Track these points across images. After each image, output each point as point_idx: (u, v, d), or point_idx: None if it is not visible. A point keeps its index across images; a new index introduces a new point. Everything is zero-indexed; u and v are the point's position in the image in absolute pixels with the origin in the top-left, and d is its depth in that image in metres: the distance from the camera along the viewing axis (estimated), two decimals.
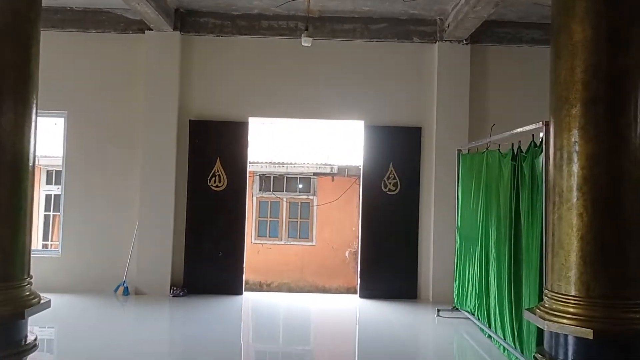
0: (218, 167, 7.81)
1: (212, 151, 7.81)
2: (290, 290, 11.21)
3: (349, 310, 7.51)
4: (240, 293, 7.77)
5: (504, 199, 4.92)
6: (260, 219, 11.80)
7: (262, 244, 11.70)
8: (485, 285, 5.42)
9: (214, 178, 7.80)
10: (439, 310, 6.65)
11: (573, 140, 3.14)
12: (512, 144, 4.85)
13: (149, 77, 7.70)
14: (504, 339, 4.84)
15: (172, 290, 7.54)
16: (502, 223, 4.91)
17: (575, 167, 3.12)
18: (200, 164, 7.80)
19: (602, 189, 3.06)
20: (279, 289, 11.26)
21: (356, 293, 7.93)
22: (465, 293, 6.10)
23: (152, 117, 7.67)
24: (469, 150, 6.39)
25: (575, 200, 3.10)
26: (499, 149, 5.23)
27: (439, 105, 7.66)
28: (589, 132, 3.11)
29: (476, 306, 5.75)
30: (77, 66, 7.86)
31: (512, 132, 4.74)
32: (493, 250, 5.15)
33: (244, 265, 7.89)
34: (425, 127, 7.81)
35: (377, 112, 7.84)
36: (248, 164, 7.97)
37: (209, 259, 7.72)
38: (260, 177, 11.69)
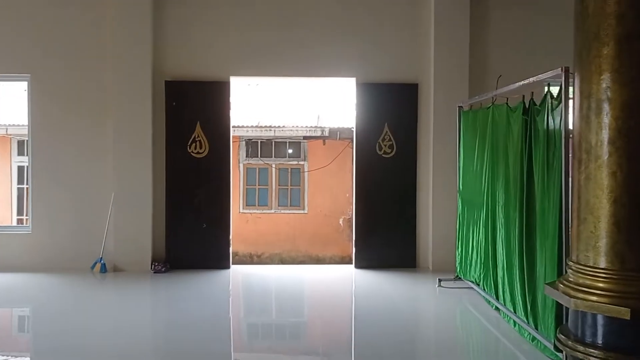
0: (198, 131, 7.31)
1: (191, 115, 7.29)
2: (282, 261, 10.92)
3: (344, 281, 7.15)
4: (228, 267, 7.39)
5: (513, 158, 4.48)
6: (248, 187, 11.41)
7: (251, 213, 11.35)
8: (491, 253, 5.04)
9: (194, 144, 7.31)
10: (440, 280, 6.30)
11: (604, 85, 2.66)
12: (523, 96, 4.37)
13: (117, 35, 7.09)
14: (515, 312, 4.48)
15: (153, 266, 7.14)
16: (512, 185, 4.49)
17: (606, 118, 2.65)
18: (178, 129, 7.29)
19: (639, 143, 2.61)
20: (271, 259, 10.96)
21: (351, 263, 7.58)
22: (469, 262, 5.73)
23: (123, 79, 7.09)
24: (471, 106, 5.91)
25: (606, 156, 2.64)
26: (507, 103, 4.75)
27: (437, 59, 7.14)
28: (623, 75, 2.62)
29: (481, 276, 5.39)
30: (38, 23, 7.22)
31: (523, 82, 4.26)
32: (501, 216, 4.75)
33: (231, 236, 7.48)
34: (422, 83, 7.31)
35: (370, 68, 7.32)
36: (231, 128, 7.47)
37: (192, 231, 7.30)
38: (246, 142, 11.21)
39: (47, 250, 7.22)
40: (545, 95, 3.83)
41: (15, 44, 7.22)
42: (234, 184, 10.94)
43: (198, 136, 7.30)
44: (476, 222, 5.42)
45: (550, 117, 3.74)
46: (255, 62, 7.34)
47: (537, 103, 4.05)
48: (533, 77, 4.02)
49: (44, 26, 7.23)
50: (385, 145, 7.31)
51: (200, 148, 7.32)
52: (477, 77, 7.14)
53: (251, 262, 10.90)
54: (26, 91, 7.50)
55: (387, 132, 7.31)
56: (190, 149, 7.30)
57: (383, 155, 7.31)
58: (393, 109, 7.33)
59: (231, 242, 7.50)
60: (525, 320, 4.22)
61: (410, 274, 7.09)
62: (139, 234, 7.17)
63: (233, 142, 10.77)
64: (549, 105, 3.77)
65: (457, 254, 6.16)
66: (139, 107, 7.13)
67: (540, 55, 6.90)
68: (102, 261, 7.13)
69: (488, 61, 7.25)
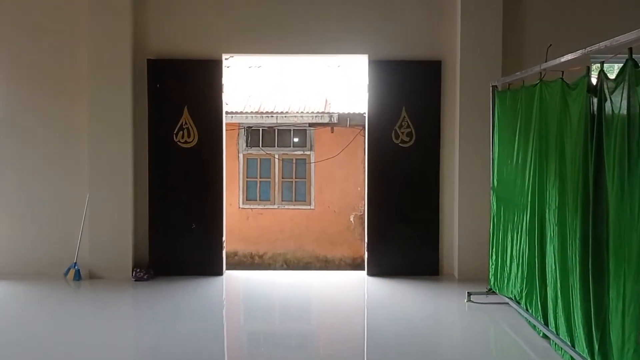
0: (186, 118, 6.48)
1: (177, 98, 6.46)
2: (286, 262, 10.16)
3: (355, 292, 6.31)
4: (221, 273, 6.59)
5: (572, 149, 3.58)
6: (248, 179, 10.60)
7: (251, 208, 10.54)
8: (539, 267, 4.16)
9: (181, 132, 6.48)
10: (469, 294, 5.43)
11: None
12: (588, 67, 3.45)
13: (92, 6, 6.24)
14: (573, 346, 3.60)
15: (134, 273, 6.36)
16: (570, 184, 3.59)
17: None
18: (163, 115, 6.46)
19: None
20: (274, 260, 10.20)
21: (363, 268, 6.75)
22: (506, 274, 4.85)
23: (99, 57, 6.26)
24: (509, 85, 5.01)
25: None
26: (562, 78, 3.84)
27: (464, 31, 6.23)
28: None
29: (523, 293, 4.50)
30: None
31: (589, 49, 3.33)
32: (553, 221, 3.85)
33: (224, 238, 6.68)
34: (447, 60, 6.41)
35: (385, 43, 6.44)
36: (224, 114, 6.63)
37: (179, 232, 6.50)
38: (246, 130, 10.37)
39: (14, 254, 6.51)
40: (625, 64, 2.92)
41: None
42: (233, 176, 10.27)
43: (186, 123, 6.48)
44: (517, 226, 4.53)
45: (633, 95, 2.83)
46: (252, 37, 6.48)
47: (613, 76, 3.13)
48: (605, 41, 3.10)
49: None
50: (402, 133, 6.46)
51: (189, 137, 6.50)
52: (512, 51, 6.25)
53: (252, 263, 10.16)
54: None
55: (404, 117, 6.46)
56: (176, 137, 6.48)
57: (400, 145, 6.46)
58: (412, 91, 6.47)
59: (224, 244, 6.70)
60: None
61: (433, 284, 6.25)
62: (118, 235, 6.39)
63: (231, 129, 10.12)
64: (630, 77, 2.86)
65: (490, 262, 5.28)
66: (117, 90, 6.31)
67: (590, 26, 6.02)
68: (76, 267, 6.38)
69: (525, 33, 6.34)
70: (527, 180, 4.26)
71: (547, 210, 3.99)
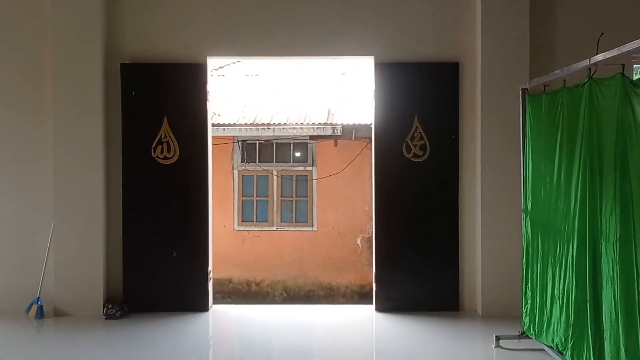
0: (165, 130, 5.81)
1: (155, 108, 5.80)
2: (286, 289, 9.57)
3: (362, 332, 5.56)
4: (206, 308, 5.88)
5: (638, 164, 2.84)
6: (244, 198, 10.09)
7: (247, 230, 10.00)
8: (591, 312, 3.38)
9: (160, 146, 5.81)
10: (498, 338, 4.66)
11: None
12: None
13: (57, 3, 5.63)
14: None
15: (105, 309, 5.66)
16: (638, 210, 2.85)
17: None
18: (139, 127, 5.81)
19: None
20: (272, 288, 9.58)
21: (372, 296, 6.03)
22: (545, 316, 4.07)
23: (65, 61, 5.62)
24: (544, 87, 4.28)
25: None
26: (622, 73, 3.10)
27: (485, 27, 5.57)
28: None
29: (569, 343, 3.71)
30: None
31: None
32: (612, 258, 3.09)
33: (210, 268, 5.97)
34: (465, 61, 5.74)
35: (393, 43, 5.78)
36: (209, 124, 5.97)
37: (157, 261, 5.82)
38: (241, 144, 9.78)
39: None
40: None
41: None
42: (227, 195, 9.68)
43: (165, 136, 5.82)
44: (560, 260, 3.77)
45: None
46: (242, 37, 5.83)
47: None
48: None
49: None
50: (415, 146, 5.76)
51: (169, 152, 5.82)
52: (541, 49, 5.58)
53: (248, 291, 9.53)
54: None
55: (417, 127, 5.77)
56: (155, 153, 5.81)
57: (412, 159, 5.76)
58: (425, 97, 5.80)
59: (211, 275, 6.00)
60: None
61: (453, 322, 5.49)
62: (87, 266, 5.71)
63: (225, 143, 9.55)
64: None
65: (524, 301, 4.50)
66: (86, 100, 5.66)
67: (630, 20, 5.34)
68: (39, 303, 5.70)
69: (557, 27, 5.68)
70: (574, 204, 3.51)
71: (602, 243, 3.23)
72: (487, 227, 5.57)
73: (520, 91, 4.68)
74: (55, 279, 5.70)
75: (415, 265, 5.77)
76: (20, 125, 5.86)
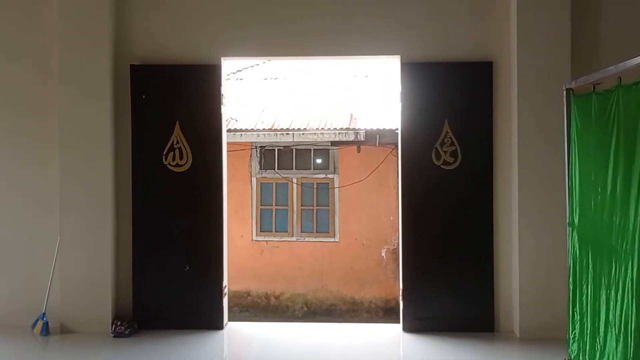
0: (177, 135, 5.60)
1: (167, 112, 5.59)
2: (306, 303, 9.33)
3: (387, 357, 5.27)
4: (221, 326, 5.63)
5: None
6: (262, 207, 9.89)
7: (266, 241, 9.79)
8: None
9: (172, 153, 5.60)
10: None
11: None
12: None
13: (66, 5, 5.45)
14: None
15: (113, 327, 5.45)
16: None
17: None
18: (150, 132, 5.60)
19: None
20: (292, 301, 9.36)
21: (398, 312, 5.72)
22: (598, 345, 3.69)
23: (72, 63, 5.44)
24: (593, 87, 3.92)
25: None
26: None
27: (522, 23, 5.23)
28: None
29: None
30: None
31: None
32: None
33: (225, 282, 5.73)
34: (500, 60, 5.41)
35: (420, 42, 5.49)
36: (224, 129, 5.75)
37: (169, 276, 5.60)
38: (259, 150, 9.59)
39: None
40: None
41: None
42: (245, 204, 9.50)
43: (177, 142, 5.60)
44: (615, 282, 3.40)
45: None
46: (258, 36, 5.59)
47: None
48: None
49: None
50: (445, 152, 5.45)
51: (181, 159, 5.61)
52: (582, 47, 5.22)
53: (267, 304, 9.33)
54: None
55: (447, 132, 5.47)
56: (166, 160, 5.60)
57: (442, 166, 5.45)
58: (456, 99, 5.49)
59: (226, 290, 5.75)
60: None
61: (487, 345, 5.14)
62: (94, 281, 5.51)
63: (242, 150, 9.36)
64: None
65: (571, 325, 4.13)
66: (93, 104, 5.47)
67: None
68: (44, 319, 5.52)
69: (602, 22, 5.32)
70: (633, 218, 3.15)
71: None
72: (525, 241, 5.21)
73: (565, 91, 4.32)
74: (61, 294, 5.51)
75: (446, 282, 5.44)
76: (27, 132, 5.70)
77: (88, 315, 5.50)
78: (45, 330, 5.48)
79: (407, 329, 5.47)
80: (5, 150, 5.72)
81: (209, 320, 5.61)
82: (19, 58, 5.67)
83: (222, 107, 5.66)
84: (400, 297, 5.60)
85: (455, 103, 5.49)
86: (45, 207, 5.64)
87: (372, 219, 9.50)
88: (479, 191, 5.46)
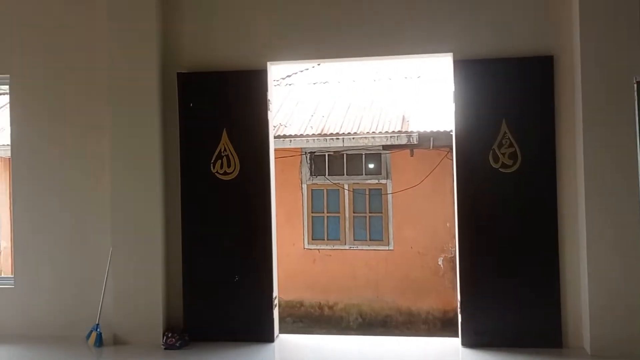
0: (225, 143, 5.57)
1: (214, 119, 5.55)
2: (361, 314, 9.16)
3: None
4: (272, 339, 5.52)
5: None
6: (314, 214, 9.77)
7: (318, 249, 9.67)
8: None
9: (219, 161, 5.57)
10: None
11: None
12: None
13: (111, 12, 5.53)
14: None
15: (165, 339, 5.45)
16: None
17: None
18: (197, 140, 5.58)
19: None
20: (347, 312, 9.21)
21: (456, 323, 5.44)
22: None
23: (120, 73, 5.49)
24: None
25: None
26: None
27: (585, 13, 4.89)
28: None
29: None
30: (17, 12, 5.91)
31: None
32: None
33: (276, 294, 5.63)
34: (561, 54, 5.08)
35: (474, 37, 5.23)
36: (271, 136, 5.68)
37: (219, 287, 5.54)
38: (309, 156, 9.49)
39: (33, 311, 5.83)
40: None
41: None
42: (296, 212, 9.42)
43: (225, 149, 5.57)
44: None
45: None
46: (306, 39, 5.48)
47: None
48: None
49: (23, 11, 5.91)
50: (503, 154, 5.18)
51: (228, 166, 5.57)
52: None
53: (321, 315, 9.21)
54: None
55: (505, 133, 5.19)
56: (214, 168, 5.58)
57: (500, 170, 5.17)
58: (514, 98, 5.19)
59: (276, 301, 5.66)
60: None
61: None
62: (146, 293, 5.52)
63: (292, 156, 9.29)
64: None
65: None
66: (143, 113, 5.51)
67: None
68: (98, 330, 5.58)
69: None
70: None
71: None
72: (594, 249, 4.85)
73: (635, 84, 4.03)
74: (114, 305, 5.55)
75: (507, 293, 5.13)
76: (78, 144, 5.80)
77: (140, 327, 5.51)
78: (99, 342, 5.53)
79: (466, 343, 5.21)
80: (57, 162, 5.84)
81: (259, 332, 5.52)
82: (69, 71, 5.80)
83: (269, 113, 5.59)
84: (458, 310, 5.35)
85: (513, 101, 5.21)
86: (97, 217, 5.73)
87: (428, 226, 9.23)
88: (542, 195, 5.14)
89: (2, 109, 11.00)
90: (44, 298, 5.84)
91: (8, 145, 7.70)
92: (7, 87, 6.07)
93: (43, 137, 5.87)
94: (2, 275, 8.36)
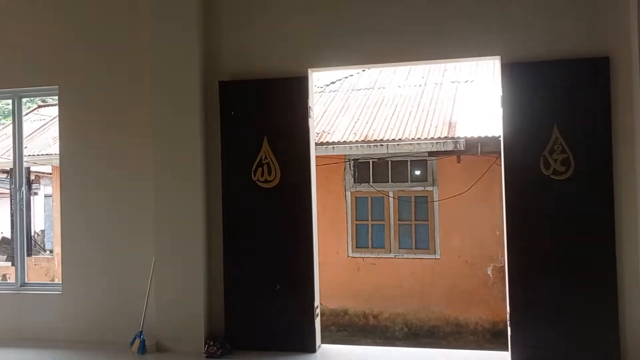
0: (266, 151, 5.57)
1: (255, 127, 5.57)
2: (406, 324, 8.97)
3: None
4: (314, 349, 5.48)
5: None
6: (358, 222, 9.66)
7: (363, 258, 9.53)
8: None
9: (260, 169, 5.57)
10: None
11: None
12: None
13: (155, 22, 5.63)
14: None
15: (206, 347, 5.48)
16: None
17: None
18: (239, 148, 5.61)
19: None
20: (392, 322, 9.05)
21: (506, 335, 5.23)
22: None
23: (164, 84, 5.60)
24: None
25: None
26: None
27: None
28: None
29: None
30: (65, 26, 6.12)
31: None
32: None
33: (317, 303, 5.58)
34: (617, 55, 4.87)
35: (522, 39, 5.08)
36: (312, 143, 5.64)
37: (260, 296, 5.54)
38: (353, 163, 9.39)
39: (80, 317, 5.99)
40: None
41: (37, 47, 6.16)
42: (340, 219, 9.35)
43: (265, 157, 5.57)
44: None
45: None
46: (347, 45, 5.45)
47: None
48: None
49: (70, 24, 6.12)
50: (555, 161, 4.98)
51: (269, 174, 5.57)
52: None
53: (365, 324, 9.10)
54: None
55: (557, 138, 4.99)
56: (255, 176, 5.58)
57: (552, 177, 4.97)
58: (566, 102, 4.99)
59: (318, 311, 5.61)
60: None
61: None
62: (188, 301, 5.58)
63: (335, 163, 9.23)
64: None
65: None
66: (185, 122, 5.59)
67: None
68: (141, 337, 5.65)
69: None
70: None
71: None
72: None
73: None
74: (157, 313, 5.63)
75: (560, 305, 4.93)
76: (129, 150, 5.93)
77: (182, 335, 5.56)
78: (142, 349, 5.59)
79: (517, 357, 5.02)
80: (103, 170, 5.98)
81: (301, 342, 5.48)
82: (114, 80, 5.94)
83: (310, 120, 5.55)
84: (508, 322, 5.16)
85: (565, 106, 5.01)
86: (143, 226, 5.81)
87: (476, 234, 8.99)
88: (597, 203, 4.91)
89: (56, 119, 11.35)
90: (90, 305, 5.98)
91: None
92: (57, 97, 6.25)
93: (90, 147, 6.04)
94: (53, 282, 8.62)
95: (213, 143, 5.66)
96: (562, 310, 4.92)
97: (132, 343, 5.69)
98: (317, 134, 8.98)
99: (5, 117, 21.96)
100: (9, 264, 13.17)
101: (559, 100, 5.01)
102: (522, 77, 5.07)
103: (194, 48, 5.58)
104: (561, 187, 4.95)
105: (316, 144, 5.80)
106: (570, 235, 4.97)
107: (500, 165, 5.48)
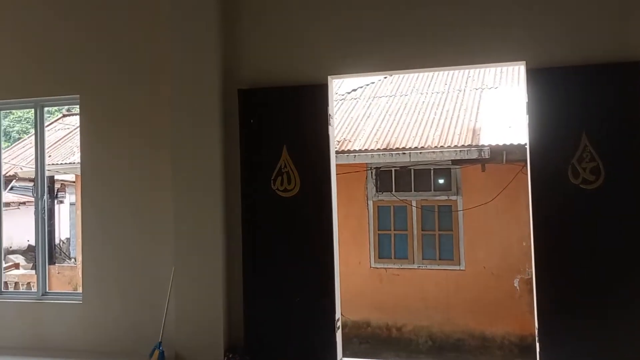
0: (285, 159, 5.53)
1: (274, 135, 5.54)
2: (431, 337, 8.81)
3: None
4: None
5: None
6: (380, 232, 9.52)
7: (385, 268, 9.40)
8: None
9: (280, 177, 5.53)
10: None
11: None
12: None
13: (175, 29, 5.65)
14: None
15: (227, 358, 5.44)
16: None
17: None
18: (258, 156, 5.58)
19: None
20: (416, 334, 8.90)
21: (534, 350, 5.09)
22: None
23: (183, 92, 5.60)
24: None
25: None
26: None
27: None
28: None
29: None
30: (85, 35, 6.18)
31: None
32: None
33: (338, 316, 5.50)
34: None
35: (549, 44, 4.96)
36: (332, 152, 5.58)
37: (280, 307, 5.48)
38: (375, 171, 9.29)
39: (100, 327, 6.00)
40: None
41: (59, 57, 6.23)
42: (362, 229, 9.25)
43: (285, 166, 5.53)
44: None
45: None
46: (368, 51, 5.38)
47: None
48: None
49: (90, 32, 6.17)
50: (584, 169, 4.84)
51: (289, 183, 5.52)
52: None
53: (389, 336, 8.96)
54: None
55: (586, 146, 4.85)
56: (274, 185, 5.54)
57: (581, 186, 4.84)
58: (595, 108, 4.87)
59: (339, 323, 5.52)
60: None
61: None
62: (207, 312, 5.54)
63: (357, 171, 9.15)
64: None
65: None
66: (204, 130, 5.57)
67: None
68: (160, 348, 5.64)
69: None
70: None
71: None
72: None
73: None
74: (176, 324, 5.60)
75: (591, 320, 4.78)
76: (148, 159, 5.94)
77: (201, 346, 5.52)
78: None
79: None
80: (123, 180, 5.99)
81: (322, 354, 5.39)
82: (135, 89, 5.97)
83: (330, 127, 5.50)
84: (536, 337, 5.01)
85: (594, 112, 4.87)
86: (161, 234, 5.81)
87: (502, 245, 8.81)
88: (629, 212, 4.76)
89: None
90: (109, 315, 5.99)
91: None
92: (78, 106, 6.31)
93: (110, 156, 6.06)
94: (75, 291, 8.70)
95: (232, 152, 5.64)
96: (592, 325, 4.77)
97: (151, 354, 5.66)
98: (338, 142, 8.92)
99: (32, 126, 22.49)
100: (34, 272, 13.35)
101: (587, 106, 4.88)
102: (548, 83, 4.95)
103: (214, 57, 5.58)
104: (591, 197, 4.81)
105: (337, 152, 5.76)
106: (602, 246, 4.82)
107: (526, 174, 5.35)
